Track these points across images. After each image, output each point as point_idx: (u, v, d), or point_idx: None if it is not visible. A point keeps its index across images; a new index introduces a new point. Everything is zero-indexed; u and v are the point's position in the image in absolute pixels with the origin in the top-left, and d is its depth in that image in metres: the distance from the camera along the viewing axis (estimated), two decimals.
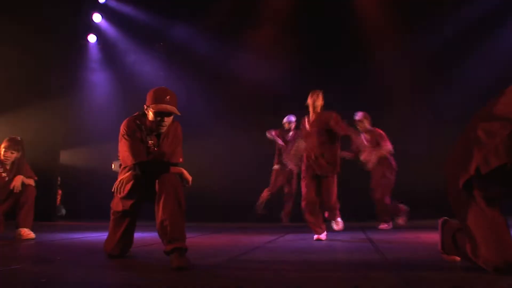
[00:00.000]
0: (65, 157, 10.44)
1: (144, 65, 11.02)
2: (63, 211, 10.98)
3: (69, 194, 10.96)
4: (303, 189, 5.26)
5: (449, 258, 2.97)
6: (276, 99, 9.98)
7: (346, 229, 6.59)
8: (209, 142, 10.46)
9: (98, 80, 11.06)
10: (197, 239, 5.29)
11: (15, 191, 5.21)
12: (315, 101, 5.36)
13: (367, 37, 9.96)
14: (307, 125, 5.46)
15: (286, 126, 8.54)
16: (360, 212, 8.57)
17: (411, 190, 9.24)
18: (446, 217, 3.06)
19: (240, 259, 3.39)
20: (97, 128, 9.94)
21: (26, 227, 5.19)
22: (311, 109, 5.42)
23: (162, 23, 10.72)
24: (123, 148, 3.31)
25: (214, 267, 3.03)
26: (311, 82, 10.35)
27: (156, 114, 3.24)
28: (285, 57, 9.90)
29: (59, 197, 10.56)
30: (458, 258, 2.90)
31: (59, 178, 10.20)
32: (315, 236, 5.04)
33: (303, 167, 5.39)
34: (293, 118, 8.42)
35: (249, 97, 10.16)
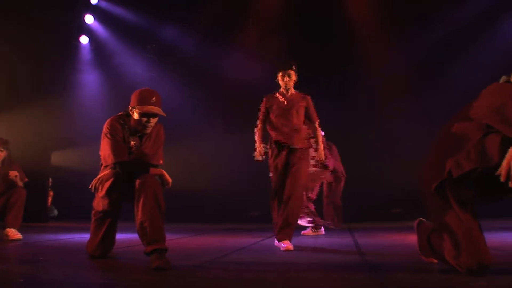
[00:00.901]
0: (57, 158, 10.43)
1: (136, 66, 11.03)
2: (55, 212, 10.98)
3: (61, 195, 10.96)
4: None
5: (428, 260, 3.00)
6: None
7: (334, 230, 6.62)
8: (201, 143, 10.48)
9: (90, 81, 11.06)
10: (183, 240, 5.31)
11: (10, 177, 5.28)
12: (287, 83, 4.67)
13: (358, 39, 10.01)
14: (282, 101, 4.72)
15: None
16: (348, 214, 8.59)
17: (402, 191, 9.31)
18: (421, 218, 3.10)
19: (222, 260, 3.41)
20: (88, 129, 9.91)
21: (14, 228, 5.19)
22: (283, 89, 4.75)
23: (154, 25, 10.74)
24: (104, 146, 3.33)
25: (195, 268, 3.05)
26: (302, 83, 10.45)
27: (142, 115, 3.26)
28: (276, 58, 9.93)
29: (50, 198, 10.55)
30: (435, 260, 2.94)
31: (50, 179, 10.19)
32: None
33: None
34: None
35: (241, 98, 10.19)
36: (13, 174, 5.32)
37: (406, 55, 9.99)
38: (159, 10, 10.53)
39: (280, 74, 4.71)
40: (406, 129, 9.56)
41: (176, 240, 5.28)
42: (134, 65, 11.01)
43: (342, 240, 5.29)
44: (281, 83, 4.73)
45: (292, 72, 4.70)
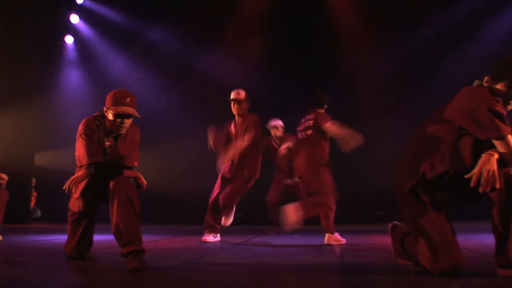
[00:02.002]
0: (41, 158, 10.34)
1: (122, 67, 10.98)
2: (39, 213, 10.88)
3: (45, 196, 10.86)
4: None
5: (403, 262, 3.02)
6: (256, 102, 10.01)
7: (315, 232, 6.63)
8: (188, 144, 10.45)
9: (75, 82, 10.99)
10: (164, 242, 5.30)
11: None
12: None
13: (341, 41, 10.07)
14: (233, 129, 5.58)
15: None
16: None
17: (388, 193, 9.36)
18: (395, 222, 3.13)
19: (200, 262, 3.42)
20: (73, 130, 9.79)
21: None
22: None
23: (140, 25, 10.70)
24: (79, 147, 3.33)
25: (172, 269, 3.05)
26: (286, 85, 10.48)
27: (116, 116, 3.26)
28: (261, 60, 9.95)
29: (33, 199, 10.46)
30: (411, 263, 2.96)
31: (33, 180, 10.11)
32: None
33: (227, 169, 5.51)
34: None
35: (224, 99, 10.18)
36: (4, 176, 5.26)
37: (390, 58, 10.05)
38: (145, 11, 10.50)
39: None
40: (392, 131, 9.61)
41: (157, 241, 5.27)
42: (119, 66, 10.96)
43: (323, 241, 5.30)
44: None
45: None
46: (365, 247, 4.69)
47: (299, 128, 5.29)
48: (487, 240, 4.87)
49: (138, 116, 3.27)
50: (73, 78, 10.99)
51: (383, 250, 4.20)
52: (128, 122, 3.31)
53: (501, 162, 2.39)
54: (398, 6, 9.66)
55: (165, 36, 10.75)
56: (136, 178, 3.31)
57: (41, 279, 2.64)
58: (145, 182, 3.35)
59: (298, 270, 3.07)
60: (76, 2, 10.58)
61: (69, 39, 10.82)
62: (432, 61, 10.06)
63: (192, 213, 10.42)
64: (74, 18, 10.67)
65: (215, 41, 10.56)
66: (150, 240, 5.29)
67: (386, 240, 5.14)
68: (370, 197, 10.02)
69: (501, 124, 2.39)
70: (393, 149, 9.50)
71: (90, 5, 10.67)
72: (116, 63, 10.95)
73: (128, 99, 3.25)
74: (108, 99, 3.31)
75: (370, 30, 9.83)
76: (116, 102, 3.25)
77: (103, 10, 10.65)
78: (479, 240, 4.93)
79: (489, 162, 2.34)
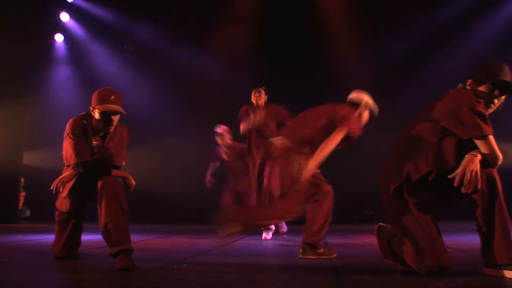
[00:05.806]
0: (29, 158, 10.27)
1: (112, 65, 10.94)
2: (28, 213, 10.80)
3: (34, 196, 10.78)
4: None
5: (391, 262, 3.05)
6: (244, 101, 10.01)
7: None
8: (181, 144, 10.43)
9: (64, 80, 10.92)
10: (154, 241, 5.29)
11: None
12: (258, 100, 5.84)
13: (333, 38, 10.09)
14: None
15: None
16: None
17: (376, 193, 9.39)
18: (381, 224, 3.16)
19: (188, 262, 3.41)
20: (62, 129, 9.75)
21: None
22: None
23: (130, 24, 10.67)
24: (67, 146, 3.33)
25: (161, 269, 3.05)
26: (276, 83, 10.49)
27: (102, 114, 3.25)
28: (250, 58, 9.96)
29: (22, 199, 10.37)
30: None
31: (22, 180, 10.03)
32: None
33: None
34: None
35: (220, 99, 10.17)
36: None
37: (379, 58, 10.10)
38: (136, 10, 10.46)
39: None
40: (381, 130, 9.63)
41: (146, 241, 5.26)
42: (109, 64, 10.92)
43: None
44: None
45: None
46: (353, 247, 4.72)
47: None
48: (474, 239, 4.91)
49: (125, 113, 3.26)
50: (62, 77, 10.92)
51: (371, 250, 4.23)
52: (115, 119, 3.31)
53: (484, 163, 2.44)
54: (389, 4, 9.70)
55: (156, 35, 10.73)
56: (124, 178, 3.30)
57: (28, 279, 2.63)
58: (133, 182, 3.34)
59: (286, 270, 3.08)
60: (66, 0, 10.52)
61: (59, 37, 10.76)
62: (420, 61, 10.11)
63: (182, 213, 10.43)
64: (64, 16, 10.60)
65: (207, 41, 10.55)
66: (139, 240, 5.29)
67: (374, 240, 5.18)
68: (358, 197, 10.06)
69: (483, 124, 2.43)
70: (381, 149, 9.55)
71: (81, 3, 10.62)
72: (106, 62, 10.91)
73: (113, 97, 3.25)
74: (93, 98, 3.31)
75: (360, 27, 9.86)
76: (101, 100, 3.25)
77: (94, 9, 10.60)
78: (466, 240, 4.97)
79: (473, 163, 2.38)
